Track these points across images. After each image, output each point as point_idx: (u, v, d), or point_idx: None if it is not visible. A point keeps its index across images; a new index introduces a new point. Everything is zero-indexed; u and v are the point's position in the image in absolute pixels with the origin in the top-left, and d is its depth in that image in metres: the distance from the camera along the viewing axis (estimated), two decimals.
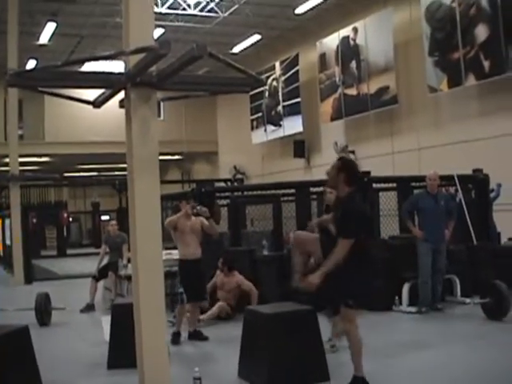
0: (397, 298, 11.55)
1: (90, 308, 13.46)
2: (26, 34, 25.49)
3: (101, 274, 13.90)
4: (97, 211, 39.92)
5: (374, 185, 13.36)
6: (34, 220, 31.24)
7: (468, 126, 19.49)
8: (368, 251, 6.83)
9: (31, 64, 28.84)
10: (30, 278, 19.62)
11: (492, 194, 14.72)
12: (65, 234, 35.94)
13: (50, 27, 25.48)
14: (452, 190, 13.93)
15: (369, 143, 24.01)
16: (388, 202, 14.52)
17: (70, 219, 40.19)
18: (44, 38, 26.78)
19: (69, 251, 33.19)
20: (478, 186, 14.00)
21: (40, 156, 35.18)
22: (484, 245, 13.05)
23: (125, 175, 7.13)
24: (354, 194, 6.87)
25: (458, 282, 11.81)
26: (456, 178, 13.36)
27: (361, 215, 6.83)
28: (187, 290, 9.80)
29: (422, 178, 12.08)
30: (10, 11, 19.94)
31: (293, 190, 13.61)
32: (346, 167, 6.87)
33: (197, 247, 10.06)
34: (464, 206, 13.13)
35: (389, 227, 14.47)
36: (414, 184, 13.69)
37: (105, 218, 35.85)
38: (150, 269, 6.78)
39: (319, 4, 24.37)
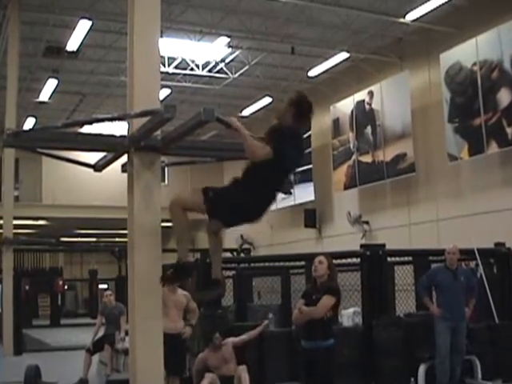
0: (412, 379, 11.40)
1: (83, 383, 13.31)
2: (26, 90, 25.89)
3: (96, 347, 13.77)
4: (94, 279, 39.72)
5: (389, 258, 13.30)
6: (27, 287, 31.10)
7: (490, 196, 19.48)
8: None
9: (30, 122, 29.19)
10: (19, 348, 19.45)
11: None
12: (59, 302, 35.67)
13: (51, 84, 25.81)
14: (472, 264, 13.86)
15: (384, 214, 24.00)
16: (404, 276, 14.44)
17: (66, 287, 39.98)
18: (44, 95, 27.12)
19: (63, 321, 32.93)
20: (500, 260, 13.88)
21: (36, 219, 35.27)
22: (507, 324, 12.90)
23: (125, 242, 7.13)
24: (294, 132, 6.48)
25: (478, 363, 11.65)
26: (476, 252, 13.29)
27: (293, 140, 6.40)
28: (165, 363, 9.76)
29: (440, 252, 12.01)
30: (9, 66, 20.21)
31: (303, 263, 13.57)
32: (300, 104, 6.43)
33: (178, 321, 10.29)
34: (485, 282, 13.03)
35: (404, 304, 14.38)
36: (431, 258, 13.63)
37: (103, 286, 35.68)
38: (148, 343, 6.73)
39: (333, 66, 24.70)
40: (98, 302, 33.98)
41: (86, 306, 42.10)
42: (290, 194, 28.77)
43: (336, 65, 24.58)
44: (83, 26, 20.16)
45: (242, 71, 25.34)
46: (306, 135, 27.84)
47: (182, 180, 35.97)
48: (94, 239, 44.36)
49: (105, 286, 33.72)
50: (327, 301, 7.93)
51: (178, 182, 35.28)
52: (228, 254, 28.63)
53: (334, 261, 9.02)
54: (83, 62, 24.24)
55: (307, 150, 27.87)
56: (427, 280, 11.55)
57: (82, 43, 21.57)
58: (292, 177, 28.78)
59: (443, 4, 19.43)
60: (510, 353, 12.00)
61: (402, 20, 20.70)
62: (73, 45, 21.68)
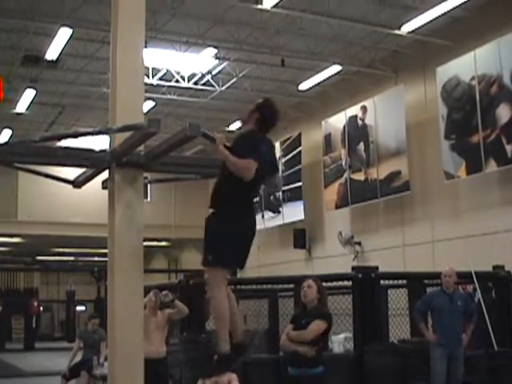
0: None
1: None
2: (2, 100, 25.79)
3: (72, 373, 13.68)
4: (72, 301, 39.55)
5: (383, 281, 13.29)
6: (0, 308, 30.95)
7: (488, 216, 19.49)
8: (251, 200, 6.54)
9: (6, 134, 29.09)
10: None
11: None
12: (34, 325, 35.48)
13: (29, 95, 25.75)
14: (470, 288, 13.86)
15: (377, 234, 24.01)
16: (398, 300, 14.42)
17: (41, 309, 39.81)
18: (22, 106, 27.04)
19: (38, 345, 32.75)
20: (498, 284, 13.86)
21: (11, 236, 35.16)
22: (506, 351, 12.89)
23: (105, 261, 7.10)
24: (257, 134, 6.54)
25: None
26: (474, 275, 13.28)
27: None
28: None
29: (436, 275, 12.01)
30: None
31: (291, 285, 13.53)
32: (263, 110, 6.54)
33: (161, 345, 10.31)
34: (483, 307, 13.02)
35: (398, 329, 14.34)
36: (427, 281, 13.63)
37: (80, 308, 35.54)
38: (129, 369, 6.68)
39: (325, 80, 24.76)
40: (75, 325, 33.85)
41: (62, 329, 41.89)
42: (279, 212, 28.77)
43: (328, 78, 24.64)
44: (63, 34, 20.12)
45: (229, 84, 25.35)
46: (295, 151, 27.87)
47: (166, 198, 35.97)
48: (71, 258, 44.18)
49: (83, 308, 33.61)
50: (318, 325, 7.92)
51: (161, 199, 35.25)
52: None
53: (324, 284, 9.01)
54: (63, 71, 24.20)
55: (297, 167, 27.92)
56: (423, 304, 11.54)
57: (62, 52, 21.53)
58: (281, 195, 28.79)
59: (441, 15, 19.47)
60: (509, 382, 11.98)
61: (397, 32, 20.77)
62: (52, 54, 21.64)
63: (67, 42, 20.62)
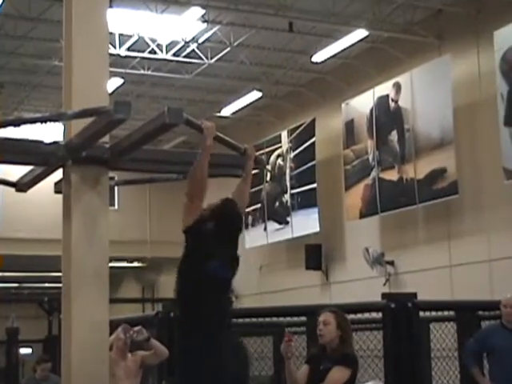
0: None
1: None
2: None
3: None
4: (14, 341, 39.44)
5: (422, 313, 13.27)
6: None
7: None
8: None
9: None
10: None
11: None
12: None
13: None
14: None
15: (415, 251, 23.99)
16: (443, 338, 14.42)
17: None
18: None
19: None
20: None
21: None
22: None
23: (59, 288, 7.11)
24: None
25: None
26: None
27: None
28: None
29: (493, 304, 12.02)
30: None
31: (303, 318, 13.55)
32: (216, 214, 7.15)
33: None
34: None
35: (444, 376, 14.35)
36: (481, 313, 13.63)
37: (26, 351, 35.43)
38: None
39: (345, 49, 24.66)
40: (18, 373, 33.76)
41: (1, 378, 41.83)
42: (286, 223, 28.76)
43: (350, 47, 24.59)
44: None
45: (221, 55, 25.32)
46: (308, 143, 27.89)
47: (139, 204, 35.88)
48: (14, 285, 44.17)
49: (28, 351, 33.52)
50: (339, 374, 7.90)
51: (132, 206, 35.19)
52: None
53: (347, 315, 8.99)
54: (0, 38, 24.16)
55: (310, 164, 27.88)
56: (476, 343, 11.53)
57: None
58: (289, 200, 28.77)
59: None
60: None
61: None
62: None
63: None
